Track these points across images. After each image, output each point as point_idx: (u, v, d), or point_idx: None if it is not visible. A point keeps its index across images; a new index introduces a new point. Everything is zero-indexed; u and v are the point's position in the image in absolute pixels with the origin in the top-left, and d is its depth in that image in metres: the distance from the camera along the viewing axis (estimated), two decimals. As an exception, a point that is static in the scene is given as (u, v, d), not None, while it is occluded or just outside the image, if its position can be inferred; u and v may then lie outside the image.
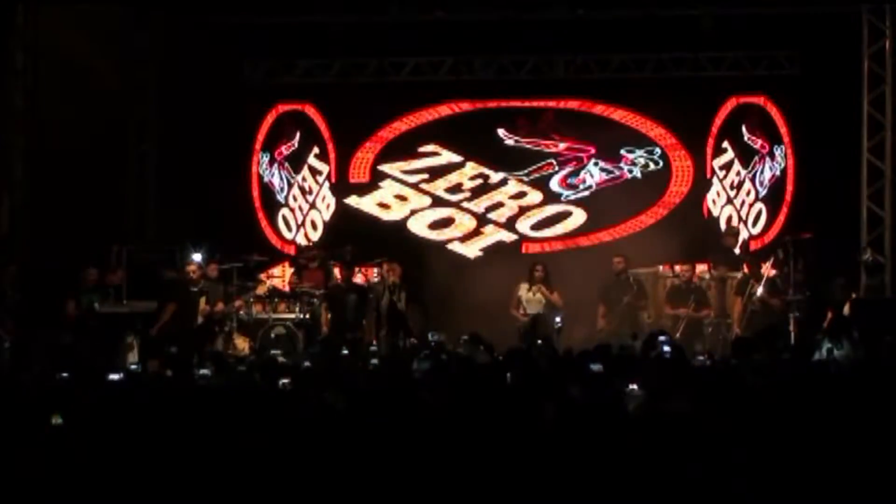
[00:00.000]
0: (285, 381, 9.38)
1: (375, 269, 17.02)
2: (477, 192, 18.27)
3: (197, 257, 14.79)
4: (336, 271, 16.91)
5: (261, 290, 15.90)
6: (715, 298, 16.42)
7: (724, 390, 8.00)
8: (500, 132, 18.00)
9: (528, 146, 18.08)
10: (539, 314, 15.86)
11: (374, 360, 11.02)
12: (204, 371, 9.92)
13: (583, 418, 7.26)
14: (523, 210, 18.21)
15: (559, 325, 12.51)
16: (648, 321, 16.21)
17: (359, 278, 17.25)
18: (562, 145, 18.07)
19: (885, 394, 8.12)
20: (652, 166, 18.02)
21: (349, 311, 15.71)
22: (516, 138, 18.04)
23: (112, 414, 7.47)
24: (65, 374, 9.71)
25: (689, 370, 9.36)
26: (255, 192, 18.49)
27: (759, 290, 15.89)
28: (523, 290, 16.28)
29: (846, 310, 14.96)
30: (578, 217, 18.15)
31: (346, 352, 10.48)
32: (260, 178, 18.50)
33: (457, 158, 18.33)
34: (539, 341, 11.32)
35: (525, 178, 18.19)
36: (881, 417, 7.18)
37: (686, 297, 16.40)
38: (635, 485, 6.20)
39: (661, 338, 9.98)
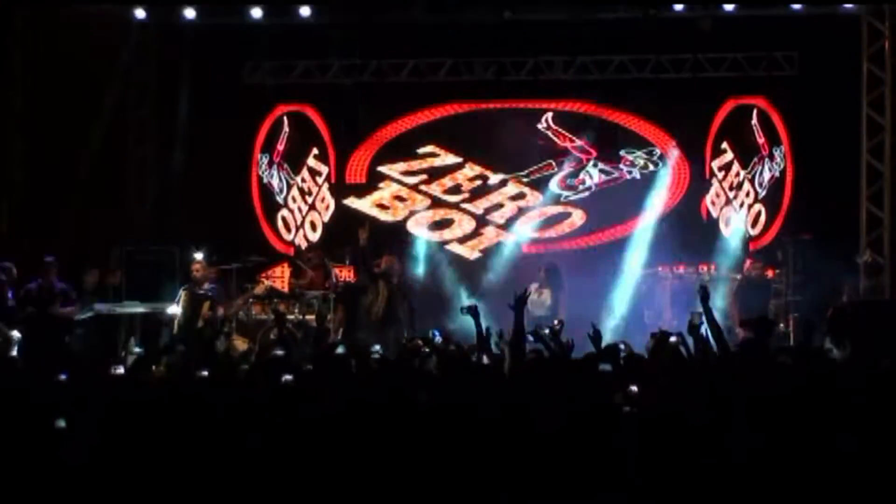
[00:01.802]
0: (288, 377, 9.36)
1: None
2: (476, 194, 18.29)
3: (199, 256, 14.75)
4: (342, 272, 16.87)
5: (258, 290, 15.86)
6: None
7: (727, 390, 8.01)
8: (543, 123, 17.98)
9: (554, 136, 18.04)
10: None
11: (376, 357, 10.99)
12: (205, 372, 9.90)
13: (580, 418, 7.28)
14: (522, 211, 18.22)
15: (557, 326, 12.43)
16: (648, 322, 16.19)
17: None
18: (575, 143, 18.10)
19: (887, 394, 8.14)
20: (651, 167, 18.03)
21: (361, 312, 15.67)
22: (549, 125, 18.00)
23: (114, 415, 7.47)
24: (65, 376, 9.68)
25: (694, 370, 9.37)
26: (255, 194, 18.49)
27: None
28: (532, 290, 16.18)
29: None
30: (578, 218, 18.17)
31: (341, 350, 10.40)
32: (259, 179, 18.50)
33: (456, 159, 18.35)
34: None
35: (524, 179, 18.20)
36: (884, 418, 7.21)
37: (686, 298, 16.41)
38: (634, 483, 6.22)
39: (672, 339, 9.95)
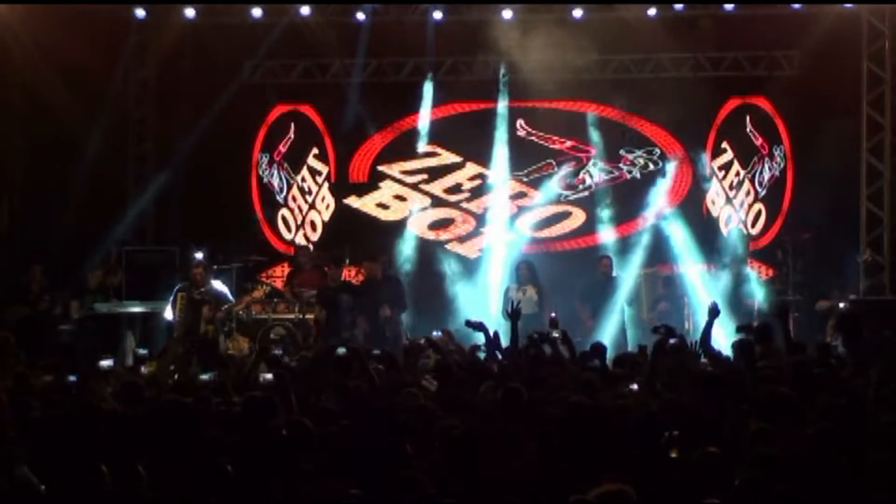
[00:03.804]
0: (268, 375, 9.41)
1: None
2: (476, 193, 18.28)
3: (199, 256, 14.72)
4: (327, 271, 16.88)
5: (258, 294, 15.84)
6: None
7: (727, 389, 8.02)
8: (519, 123, 17.96)
9: (539, 141, 18.05)
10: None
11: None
12: (205, 376, 9.92)
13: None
14: (522, 210, 18.19)
15: (556, 324, 12.45)
16: (646, 320, 16.18)
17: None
18: (566, 144, 18.07)
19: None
20: (651, 167, 18.02)
21: (343, 312, 15.65)
22: (529, 130, 18.03)
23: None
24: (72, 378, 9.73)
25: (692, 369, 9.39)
26: (255, 193, 18.48)
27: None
28: (513, 291, 16.19)
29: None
30: (578, 217, 18.15)
31: (342, 351, 10.43)
32: (259, 178, 18.49)
33: (456, 159, 18.33)
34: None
35: (524, 179, 18.19)
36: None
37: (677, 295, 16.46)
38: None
39: (672, 340, 10.00)
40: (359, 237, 17.65)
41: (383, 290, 15.53)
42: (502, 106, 17.95)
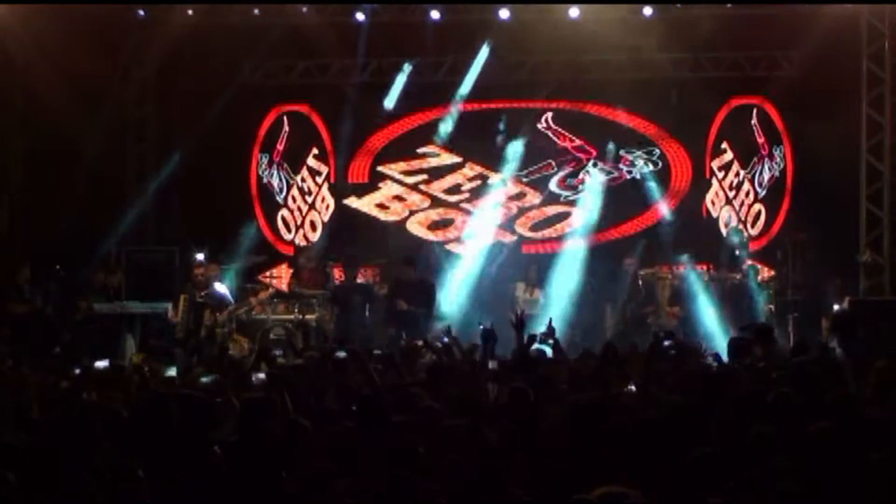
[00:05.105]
0: (261, 375, 9.42)
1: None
2: (476, 193, 18.27)
3: (200, 257, 14.71)
4: (336, 272, 16.89)
5: (263, 296, 15.80)
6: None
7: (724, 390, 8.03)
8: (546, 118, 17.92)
9: (553, 136, 18.04)
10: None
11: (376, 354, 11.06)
12: (205, 379, 9.92)
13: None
14: (522, 211, 18.20)
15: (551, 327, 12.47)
16: (649, 321, 16.20)
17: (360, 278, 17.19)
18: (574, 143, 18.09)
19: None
20: (651, 167, 18.02)
21: (356, 312, 15.66)
22: (551, 126, 17.97)
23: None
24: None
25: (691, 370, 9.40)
26: (255, 193, 18.49)
27: None
28: (520, 290, 16.24)
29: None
30: (577, 218, 18.15)
31: (342, 354, 10.42)
32: (259, 178, 18.50)
33: (456, 159, 18.34)
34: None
35: (524, 179, 18.19)
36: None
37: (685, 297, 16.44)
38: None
39: (667, 342, 10.02)
40: (358, 238, 17.65)
41: (414, 293, 15.43)
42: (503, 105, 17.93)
